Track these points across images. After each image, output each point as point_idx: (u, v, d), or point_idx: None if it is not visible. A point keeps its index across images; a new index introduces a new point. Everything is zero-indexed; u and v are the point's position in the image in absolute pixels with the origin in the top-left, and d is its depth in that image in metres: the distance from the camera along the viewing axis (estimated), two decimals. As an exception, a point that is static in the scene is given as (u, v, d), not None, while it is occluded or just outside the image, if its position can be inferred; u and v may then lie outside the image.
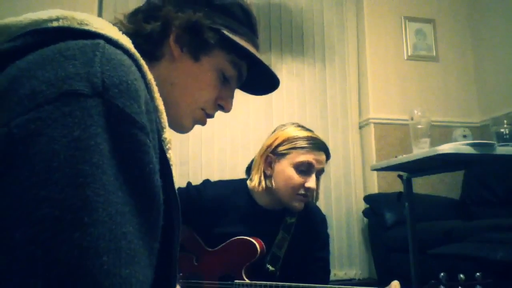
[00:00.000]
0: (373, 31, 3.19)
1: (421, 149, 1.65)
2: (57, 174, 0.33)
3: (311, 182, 1.27)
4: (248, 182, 1.37)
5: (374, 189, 2.97)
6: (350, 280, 2.91)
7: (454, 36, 3.31)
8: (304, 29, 3.20)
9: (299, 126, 1.35)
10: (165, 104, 0.50)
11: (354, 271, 2.95)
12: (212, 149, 2.89)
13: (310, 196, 1.31)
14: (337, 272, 2.89)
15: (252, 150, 2.80)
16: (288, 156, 1.28)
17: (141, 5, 0.67)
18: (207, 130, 2.84)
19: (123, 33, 0.49)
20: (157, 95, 0.48)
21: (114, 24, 0.54)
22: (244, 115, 2.94)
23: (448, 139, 1.68)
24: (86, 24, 0.45)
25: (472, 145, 1.47)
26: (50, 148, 0.34)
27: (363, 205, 2.94)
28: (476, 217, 2.52)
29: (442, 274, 0.99)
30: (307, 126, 1.37)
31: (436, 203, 2.79)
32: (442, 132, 2.79)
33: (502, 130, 1.58)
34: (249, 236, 1.29)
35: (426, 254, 2.02)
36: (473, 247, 1.85)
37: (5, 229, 0.32)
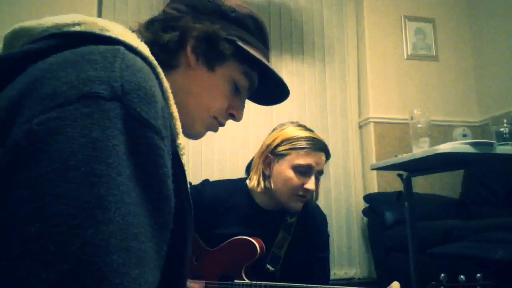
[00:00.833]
0: (373, 30, 3.19)
1: (420, 149, 1.65)
2: (73, 172, 0.34)
3: (310, 184, 1.26)
4: (247, 182, 1.37)
5: (374, 189, 2.97)
6: (350, 279, 2.91)
7: (454, 36, 3.31)
8: (304, 28, 3.20)
9: (299, 125, 1.33)
10: (179, 111, 0.52)
11: (353, 271, 2.96)
12: (212, 148, 2.89)
13: (309, 197, 1.31)
14: (337, 271, 2.89)
15: (251, 150, 2.80)
16: (287, 157, 1.27)
17: (157, 14, 0.70)
18: (207, 129, 2.83)
19: (141, 41, 0.50)
20: (172, 102, 0.49)
21: (132, 32, 0.55)
22: (244, 115, 2.94)
23: (447, 139, 1.68)
24: (107, 30, 0.47)
25: (471, 144, 1.47)
26: (69, 146, 0.35)
27: (362, 205, 2.94)
28: (475, 216, 2.53)
29: (442, 275, 0.99)
30: (307, 126, 1.35)
31: (436, 202, 2.79)
32: (442, 132, 2.79)
33: (501, 129, 1.58)
34: (249, 236, 1.28)
35: (426, 254, 2.02)
36: (473, 247, 1.85)
37: (20, 222, 0.32)
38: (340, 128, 3.13)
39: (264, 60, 0.69)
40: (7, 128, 0.37)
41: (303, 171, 1.26)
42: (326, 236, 1.41)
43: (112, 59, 0.41)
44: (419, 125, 1.71)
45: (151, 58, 0.47)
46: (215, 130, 0.73)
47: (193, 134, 0.70)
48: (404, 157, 1.68)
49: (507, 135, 1.57)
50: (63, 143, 0.35)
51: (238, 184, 1.40)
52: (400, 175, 1.90)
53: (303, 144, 1.27)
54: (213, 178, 1.48)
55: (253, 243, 1.27)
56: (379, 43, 3.18)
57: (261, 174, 1.32)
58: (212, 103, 0.69)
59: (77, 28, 0.47)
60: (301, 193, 1.28)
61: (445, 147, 1.46)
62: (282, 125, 1.36)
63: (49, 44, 0.45)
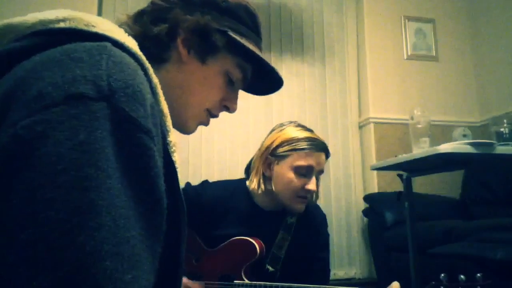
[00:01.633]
0: (373, 31, 3.19)
1: (421, 149, 1.65)
2: (62, 177, 0.33)
3: (311, 185, 1.26)
4: (247, 183, 1.37)
5: (374, 189, 2.96)
6: (350, 279, 2.91)
7: (454, 36, 3.31)
8: (304, 28, 3.20)
9: (298, 125, 1.32)
10: (170, 106, 0.50)
11: (354, 271, 2.96)
12: (212, 148, 2.89)
13: (310, 197, 1.31)
14: (337, 271, 2.89)
15: (251, 150, 2.79)
16: (287, 159, 1.26)
17: (146, 6, 0.67)
18: (207, 129, 2.83)
19: (129, 35, 0.49)
20: (162, 98, 0.48)
21: (120, 26, 0.54)
22: (244, 115, 2.94)
23: (448, 139, 1.68)
24: (93, 26, 0.46)
25: (472, 144, 1.47)
26: (56, 150, 0.34)
27: (362, 205, 2.94)
28: (475, 216, 2.53)
29: (442, 275, 0.99)
30: (307, 126, 1.34)
31: (436, 202, 2.79)
32: (442, 132, 2.79)
33: (502, 129, 1.58)
34: (249, 237, 1.28)
35: (426, 254, 2.02)
36: (473, 247, 1.85)
37: (11, 230, 0.32)
38: (340, 128, 3.13)
39: (256, 51, 0.67)
40: None
41: (304, 172, 1.26)
42: (326, 236, 1.41)
43: (99, 57, 0.40)
44: (419, 125, 1.71)
45: (139, 53, 0.46)
46: (206, 124, 0.71)
47: (185, 129, 0.68)
48: (404, 157, 1.68)
49: (507, 135, 1.57)
50: (50, 147, 0.34)
51: (238, 185, 1.39)
52: (400, 175, 1.90)
53: (303, 145, 1.26)
54: (213, 178, 1.48)
55: (253, 243, 1.27)
56: (379, 43, 3.17)
57: (262, 176, 1.31)
58: (205, 96, 0.67)
59: (62, 25, 0.45)
60: (302, 194, 1.27)
61: (445, 147, 1.46)
62: (281, 125, 1.34)
63: (34, 41, 0.44)
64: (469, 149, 1.46)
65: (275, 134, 1.32)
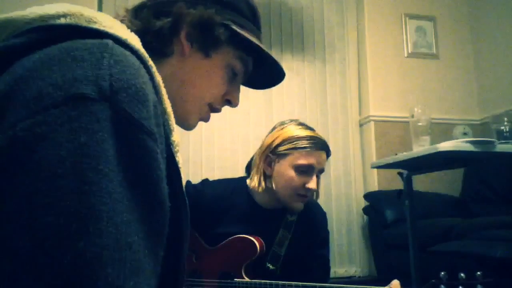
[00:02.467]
0: (373, 29, 3.19)
1: (421, 147, 1.65)
2: (62, 181, 0.32)
3: (312, 183, 1.26)
4: (248, 181, 1.37)
5: (374, 187, 2.97)
6: (350, 277, 2.92)
7: (455, 34, 3.31)
8: (304, 26, 3.19)
9: (299, 124, 1.32)
10: (173, 100, 0.49)
11: (354, 269, 2.96)
12: (212, 147, 2.89)
13: (310, 196, 1.31)
14: (337, 269, 2.89)
15: (252, 148, 2.80)
16: (288, 157, 1.26)
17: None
18: (208, 128, 2.84)
19: (131, 31, 0.48)
20: (165, 97, 0.47)
21: (121, 21, 0.53)
22: (244, 113, 2.94)
23: (448, 137, 1.67)
24: (94, 22, 0.45)
25: (472, 142, 1.47)
26: (56, 153, 0.33)
27: (363, 203, 2.94)
28: (476, 214, 2.53)
29: (442, 273, 0.99)
30: (307, 124, 1.34)
31: (436, 200, 2.79)
32: (442, 130, 2.79)
33: (502, 127, 1.58)
34: (249, 235, 1.28)
35: (426, 252, 2.03)
36: (473, 245, 1.85)
37: (9, 236, 0.31)
38: (340, 126, 3.13)
39: (258, 43, 0.66)
40: None
41: (304, 170, 1.25)
42: (326, 233, 1.41)
43: (100, 56, 0.38)
44: (420, 123, 1.71)
45: (142, 51, 0.45)
46: (207, 119, 0.70)
47: (187, 124, 0.67)
48: (404, 155, 1.68)
49: (507, 133, 1.56)
50: (50, 150, 0.33)
51: (238, 183, 1.39)
52: (400, 173, 1.90)
53: (304, 143, 1.25)
54: (213, 176, 1.48)
55: (253, 241, 1.27)
56: (380, 41, 3.17)
57: (262, 174, 1.31)
58: (208, 90, 0.66)
59: (62, 20, 0.44)
60: (303, 192, 1.27)
61: (445, 146, 1.46)
62: (282, 123, 1.34)
63: (34, 38, 0.42)
64: (469, 147, 1.45)
65: (276, 132, 1.31)
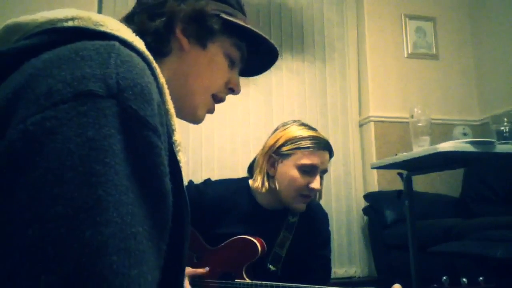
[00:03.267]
0: (373, 29, 3.19)
1: (421, 147, 1.65)
2: (70, 173, 0.34)
3: (315, 183, 1.26)
4: (250, 182, 1.37)
5: (374, 187, 2.97)
6: (350, 278, 2.92)
7: (454, 34, 3.31)
8: (304, 27, 3.20)
9: (301, 124, 1.32)
10: (180, 96, 0.51)
11: (354, 269, 2.96)
12: (212, 147, 2.89)
13: (313, 196, 1.31)
14: (337, 270, 2.89)
15: (252, 148, 2.81)
16: (291, 157, 1.26)
17: (133, 8, 0.68)
18: (208, 128, 2.84)
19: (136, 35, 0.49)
20: (168, 98, 0.49)
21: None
22: (244, 113, 2.94)
23: (448, 137, 1.68)
24: (102, 25, 0.46)
25: (472, 143, 1.47)
26: (65, 146, 0.34)
27: (363, 203, 2.94)
28: (476, 215, 2.53)
29: (444, 277, 0.98)
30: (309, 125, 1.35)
31: (436, 201, 2.79)
32: (442, 130, 2.79)
33: (502, 128, 1.58)
34: (251, 236, 1.28)
35: (426, 252, 2.03)
36: (473, 245, 1.85)
37: (19, 226, 0.32)
38: (340, 127, 3.13)
39: (249, 26, 0.70)
40: (2, 129, 0.36)
41: (308, 170, 1.25)
42: (328, 234, 1.41)
43: (107, 56, 0.40)
44: (420, 124, 1.71)
45: (147, 53, 0.47)
46: (213, 110, 0.72)
47: (196, 118, 0.70)
48: (404, 155, 1.68)
49: (507, 134, 1.56)
50: (59, 143, 0.34)
51: (240, 184, 1.39)
52: (400, 174, 1.90)
53: (307, 143, 1.26)
54: (213, 176, 1.48)
55: (254, 242, 1.27)
56: (380, 42, 3.17)
57: (265, 174, 1.31)
58: (212, 80, 0.69)
59: (70, 24, 0.46)
60: (306, 192, 1.27)
61: (445, 146, 1.46)
62: (284, 124, 1.34)
63: (43, 40, 0.44)
64: (469, 148, 1.46)
65: (279, 133, 1.32)
